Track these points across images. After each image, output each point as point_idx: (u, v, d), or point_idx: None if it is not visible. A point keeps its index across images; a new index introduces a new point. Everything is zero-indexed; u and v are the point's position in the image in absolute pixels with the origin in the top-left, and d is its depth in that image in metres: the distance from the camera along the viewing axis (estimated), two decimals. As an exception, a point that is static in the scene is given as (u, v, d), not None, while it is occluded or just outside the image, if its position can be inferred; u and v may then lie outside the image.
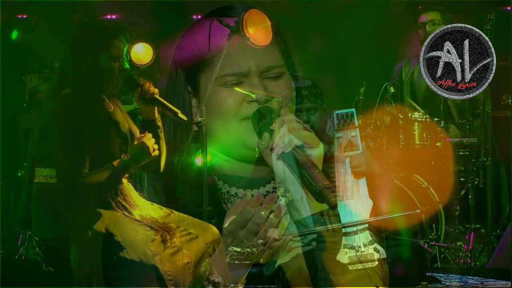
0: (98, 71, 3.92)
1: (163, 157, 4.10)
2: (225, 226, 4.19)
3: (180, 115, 4.10)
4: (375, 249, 3.97)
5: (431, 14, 6.58)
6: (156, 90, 4.04)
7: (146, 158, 3.95)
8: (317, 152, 4.15)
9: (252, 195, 4.26)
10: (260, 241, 4.13)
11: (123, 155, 3.90)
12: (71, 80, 3.92)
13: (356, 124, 4.01)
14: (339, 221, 4.00)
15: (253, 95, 4.33)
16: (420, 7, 6.74)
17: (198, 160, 4.26)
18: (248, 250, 4.23)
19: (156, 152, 3.98)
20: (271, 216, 4.15)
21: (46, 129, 3.87)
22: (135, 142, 3.95)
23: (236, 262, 4.18)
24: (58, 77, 4.01)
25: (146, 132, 3.99)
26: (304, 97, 4.48)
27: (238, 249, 4.24)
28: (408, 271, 4.69)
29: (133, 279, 3.74)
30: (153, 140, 3.97)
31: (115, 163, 3.87)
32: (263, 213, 4.12)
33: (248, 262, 4.24)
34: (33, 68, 6.64)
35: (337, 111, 4.07)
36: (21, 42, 6.96)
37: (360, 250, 3.96)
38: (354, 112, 4.09)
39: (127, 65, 6.35)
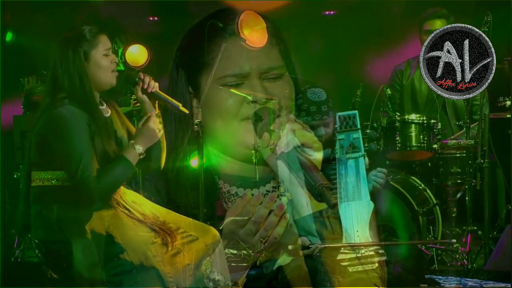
0: (90, 72, 3.91)
1: (163, 154, 4.09)
2: (223, 226, 4.18)
3: (182, 108, 4.10)
4: (376, 251, 3.97)
5: (438, 22, 6.53)
6: (157, 84, 4.03)
7: (154, 139, 3.97)
8: (316, 152, 4.16)
9: (252, 195, 4.26)
10: (260, 239, 4.13)
11: (130, 141, 3.91)
12: (65, 84, 3.90)
13: (358, 126, 4.01)
14: (338, 221, 4.01)
15: (249, 97, 4.33)
16: (424, 14, 6.71)
17: (194, 162, 4.26)
18: (244, 252, 4.22)
19: (162, 132, 4.01)
20: (271, 215, 4.15)
21: (46, 134, 3.86)
22: (140, 126, 3.96)
23: (232, 264, 4.17)
24: (50, 82, 4.00)
25: (152, 113, 3.98)
26: (312, 113, 4.46)
27: (234, 251, 4.23)
28: (407, 273, 4.69)
29: (134, 281, 3.73)
30: (157, 120, 3.99)
31: (124, 152, 3.89)
32: (263, 212, 4.12)
33: (244, 264, 4.23)
34: (31, 69, 6.63)
35: (339, 113, 4.07)
36: (18, 43, 6.96)
37: (360, 252, 3.96)
38: (357, 114, 4.10)
39: (121, 67, 6.35)
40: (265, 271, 4.21)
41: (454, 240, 4.65)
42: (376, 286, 3.87)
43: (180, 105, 4.11)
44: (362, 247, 3.89)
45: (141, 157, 3.93)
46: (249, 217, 4.14)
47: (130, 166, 3.88)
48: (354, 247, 3.91)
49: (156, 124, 3.98)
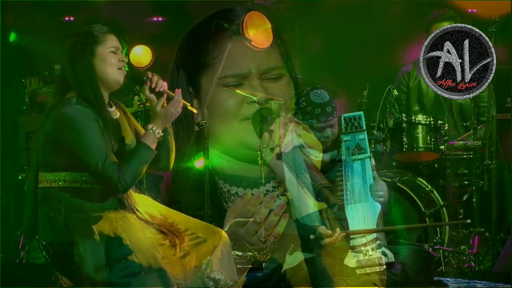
0: (97, 68, 3.91)
1: (172, 154, 4.06)
2: (226, 228, 4.18)
3: (190, 107, 4.06)
4: (383, 253, 3.96)
5: (445, 24, 6.47)
6: (165, 83, 4.01)
7: (170, 119, 3.95)
8: (317, 152, 4.15)
9: (252, 194, 4.27)
10: (260, 238, 4.13)
11: (149, 125, 3.90)
12: (72, 81, 3.91)
13: (364, 127, 3.99)
14: (338, 221, 4.00)
15: (254, 98, 4.33)
16: (430, 16, 6.66)
17: (198, 163, 4.25)
18: (250, 253, 4.23)
19: (178, 113, 3.97)
20: (270, 214, 4.15)
21: (55, 135, 3.86)
22: (158, 109, 3.93)
23: (238, 266, 4.17)
24: (59, 82, 4.00)
25: (165, 95, 3.96)
26: (317, 116, 4.42)
27: (240, 253, 4.24)
28: (416, 275, 4.65)
29: (142, 283, 3.73)
30: (173, 102, 3.95)
31: (142, 138, 3.88)
32: (263, 211, 4.13)
33: (250, 266, 4.23)
34: (33, 70, 6.65)
35: (344, 115, 4.06)
36: (21, 44, 6.97)
37: (368, 254, 3.94)
38: (362, 115, 4.09)
39: (126, 68, 6.34)
40: (265, 270, 4.21)
41: (468, 220, 4.62)
42: (376, 285, 3.86)
43: (188, 104, 4.07)
44: (371, 244, 3.89)
45: (160, 139, 3.92)
46: (249, 217, 4.15)
47: (149, 149, 3.87)
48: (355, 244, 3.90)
49: (171, 106, 3.94)
